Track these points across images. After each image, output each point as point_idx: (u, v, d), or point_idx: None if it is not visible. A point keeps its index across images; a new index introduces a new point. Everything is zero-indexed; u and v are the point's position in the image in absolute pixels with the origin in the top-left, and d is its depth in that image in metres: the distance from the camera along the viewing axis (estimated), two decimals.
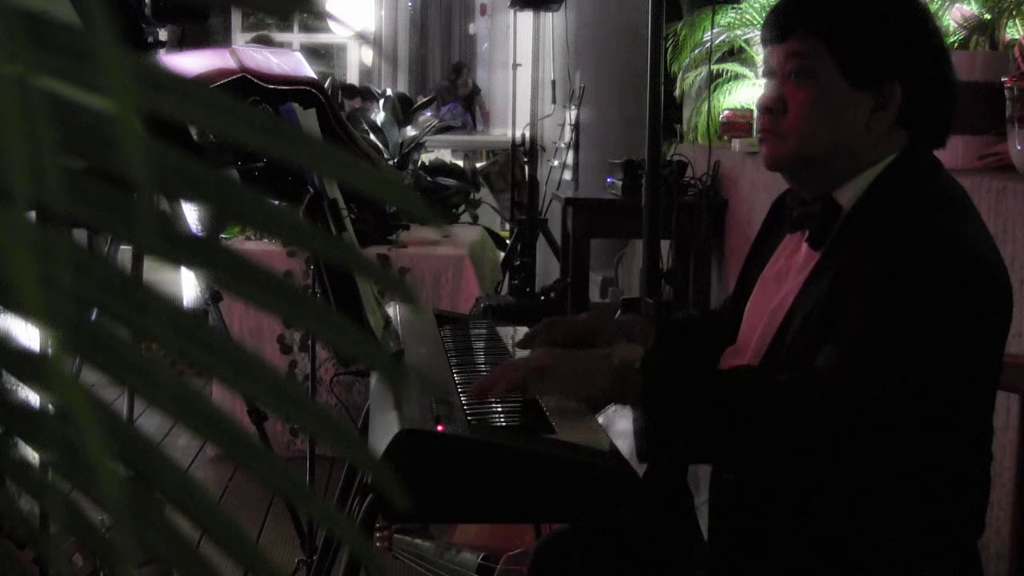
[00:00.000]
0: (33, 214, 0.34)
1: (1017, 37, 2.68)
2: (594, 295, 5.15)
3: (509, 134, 6.52)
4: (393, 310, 2.04)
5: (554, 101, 6.46)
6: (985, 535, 1.50)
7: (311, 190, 1.82)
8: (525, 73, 5.97)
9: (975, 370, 1.39)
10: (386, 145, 5.22)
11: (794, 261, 1.56)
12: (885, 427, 1.32)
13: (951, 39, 2.73)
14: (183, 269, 0.41)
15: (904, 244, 1.35)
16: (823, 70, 1.46)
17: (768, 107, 1.51)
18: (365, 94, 6.40)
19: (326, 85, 3.98)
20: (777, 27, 1.51)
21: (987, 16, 2.77)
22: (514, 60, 6.11)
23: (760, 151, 1.55)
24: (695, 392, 1.38)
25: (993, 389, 1.45)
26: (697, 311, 2.00)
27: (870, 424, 1.31)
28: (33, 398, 0.41)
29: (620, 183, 4.14)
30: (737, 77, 4.30)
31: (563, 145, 6.13)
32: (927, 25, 1.50)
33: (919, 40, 1.48)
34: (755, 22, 3.91)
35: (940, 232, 1.36)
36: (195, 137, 2.55)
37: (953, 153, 2.01)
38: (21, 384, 0.40)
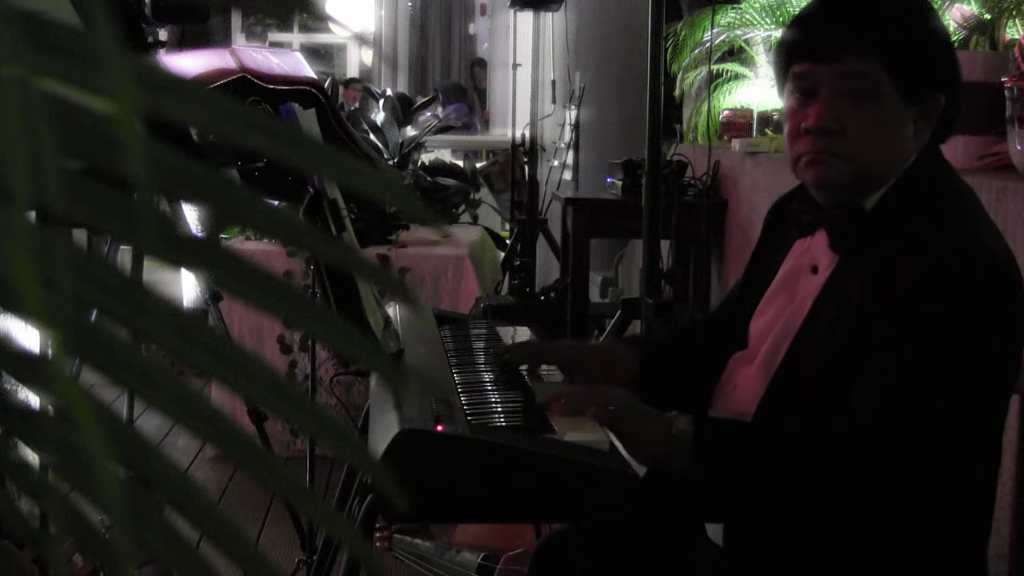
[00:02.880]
0: (33, 214, 0.34)
1: (1017, 37, 2.68)
2: (594, 295, 5.14)
3: (509, 134, 6.52)
4: (393, 310, 2.04)
5: (554, 101, 6.47)
6: None
7: (311, 190, 1.82)
8: (525, 73, 5.97)
9: (998, 378, 1.39)
10: (386, 145, 5.22)
11: (805, 265, 1.55)
12: (923, 455, 1.35)
13: (951, 39, 2.73)
14: (183, 270, 0.41)
15: (932, 253, 1.35)
16: (883, 89, 1.42)
17: (827, 128, 1.44)
18: (364, 89, 6.40)
19: (326, 85, 3.98)
20: (829, 45, 1.45)
21: (987, 16, 2.77)
22: (514, 60, 6.11)
23: (808, 172, 1.48)
24: (746, 461, 1.39)
25: (1008, 393, 1.44)
26: (685, 325, 2.00)
27: (913, 461, 1.34)
28: (33, 399, 0.41)
29: (620, 183, 4.14)
30: (737, 77, 4.29)
31: (563, 145, 6.13)
32: (944, 26, 1.51)
33: (953, 45, 1.49)
34: (755, 22, 3.90)
35: (965, 238, 1.36)
36: (195, 137, 2.55)
37: (953, 153, 2.01)
38: (21, 385, 0.40)
